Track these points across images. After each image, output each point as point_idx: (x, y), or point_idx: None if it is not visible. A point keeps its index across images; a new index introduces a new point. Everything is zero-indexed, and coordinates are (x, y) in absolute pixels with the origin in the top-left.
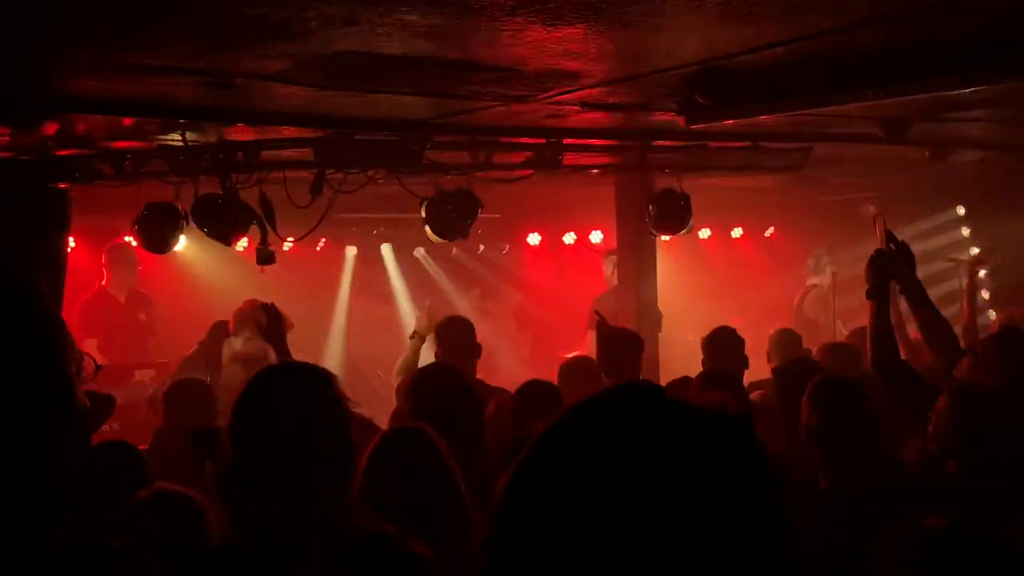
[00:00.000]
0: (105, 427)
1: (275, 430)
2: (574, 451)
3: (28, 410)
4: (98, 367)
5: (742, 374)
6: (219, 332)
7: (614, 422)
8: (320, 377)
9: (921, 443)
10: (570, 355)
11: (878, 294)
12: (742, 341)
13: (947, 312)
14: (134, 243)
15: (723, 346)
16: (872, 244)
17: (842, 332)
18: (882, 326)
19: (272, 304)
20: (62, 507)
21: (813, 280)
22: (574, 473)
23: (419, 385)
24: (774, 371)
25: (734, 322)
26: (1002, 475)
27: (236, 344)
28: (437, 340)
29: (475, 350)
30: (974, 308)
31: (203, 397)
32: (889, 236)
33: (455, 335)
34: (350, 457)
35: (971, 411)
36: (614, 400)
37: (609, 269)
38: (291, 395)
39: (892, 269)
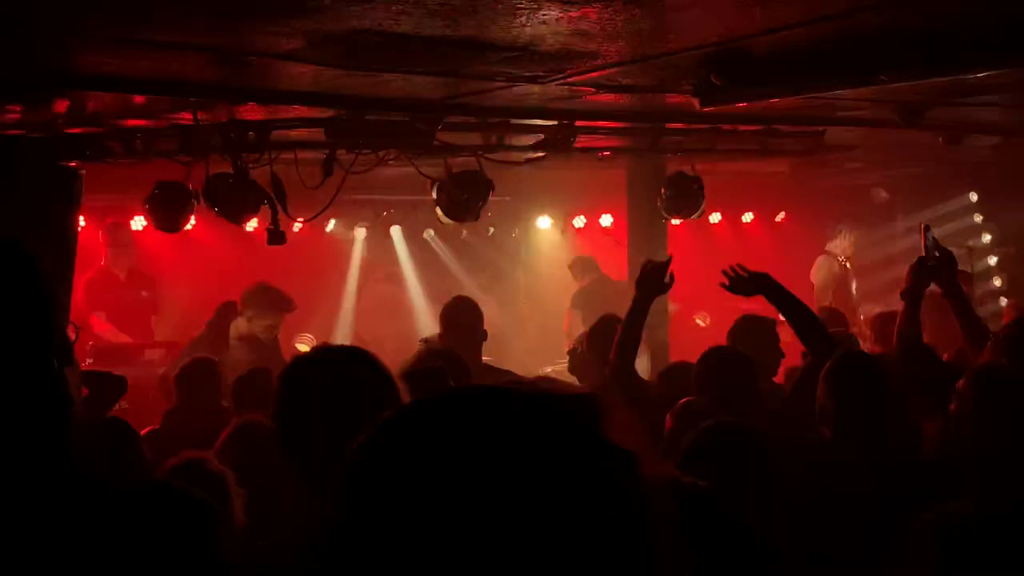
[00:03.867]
0: (115, 407)
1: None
2: (403, 439)
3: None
4: (78, 331)
5: (778, 362)
6: (227, 312)
7: (436, 415)
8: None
9: (942, 422)
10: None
11: (912, 296)
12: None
13: None
14: (143, 222)
15: (751, 334)
16: (886, 230)
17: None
18: (910, 323)
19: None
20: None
21: (828, 246)
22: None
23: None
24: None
25: (743, 308)
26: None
27: (243, 325)
28: (442, 322)
29: (480, 334)
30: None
31: (213, 377)
32: (933, 245)
33: (460, 318)
34: None
35: (993, 394)
36: (444, 397)
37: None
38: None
39: (932, 276)
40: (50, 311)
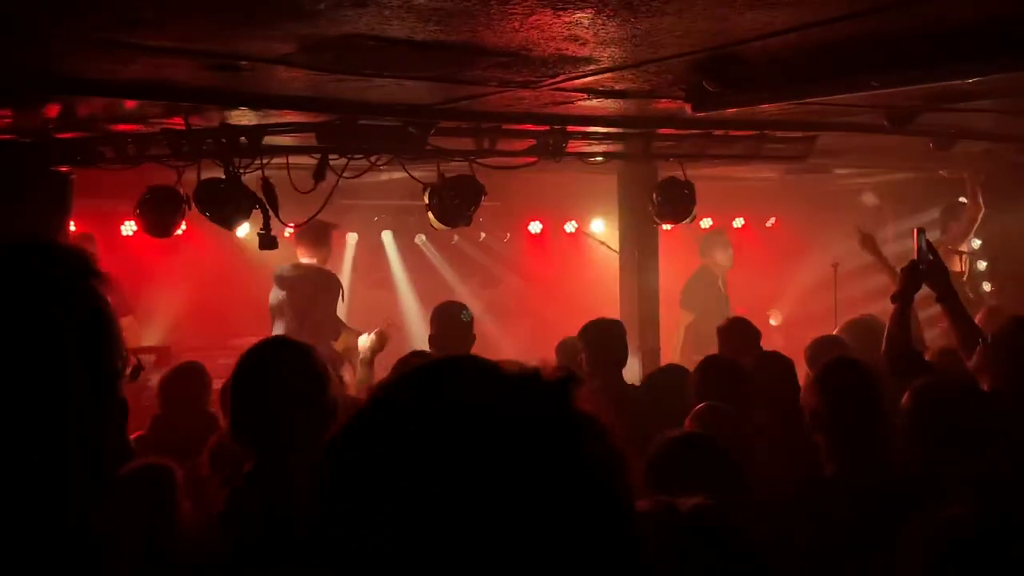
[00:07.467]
0: None
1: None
2: (387, 413)
3: (71, 395)
4: (139, 368)
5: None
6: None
7: (421, 388)
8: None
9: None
10: None
11: (903, 299)
12: (758, 332)
13: None
14: (134, 226)
15: (738, 336)
16: (876, 234)
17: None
18: (899, 326)
19: None
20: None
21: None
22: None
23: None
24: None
25: (735, 312)
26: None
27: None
28: (432, 324)
29: (468, 339)
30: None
31: (199, 383)
32: (927, 249)
33: (448, 321)
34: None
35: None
36: (428, 367)
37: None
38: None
39: (924, 279)
40: (102, 351)
